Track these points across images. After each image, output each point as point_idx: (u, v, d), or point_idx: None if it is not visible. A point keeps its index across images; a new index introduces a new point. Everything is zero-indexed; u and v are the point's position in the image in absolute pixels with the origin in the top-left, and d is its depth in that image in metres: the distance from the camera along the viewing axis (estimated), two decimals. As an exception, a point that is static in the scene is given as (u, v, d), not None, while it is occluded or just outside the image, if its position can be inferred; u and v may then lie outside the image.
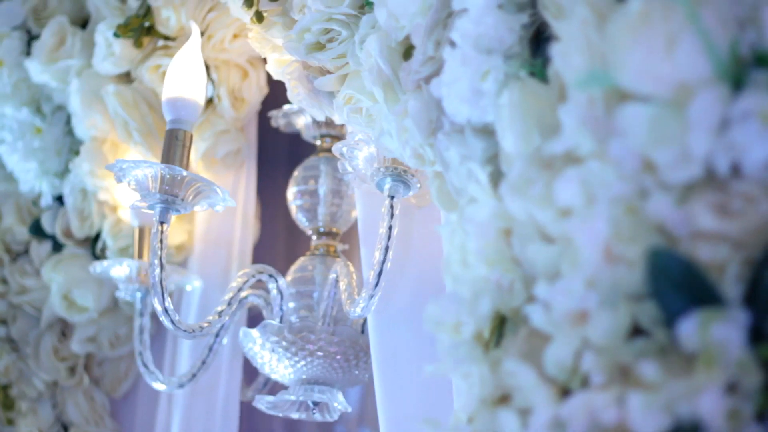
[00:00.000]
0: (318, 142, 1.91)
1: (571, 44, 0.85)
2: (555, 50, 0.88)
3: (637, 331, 0.80)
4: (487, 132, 1.04)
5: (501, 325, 0.98)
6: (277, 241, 2.23)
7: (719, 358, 0.72)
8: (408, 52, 1.21)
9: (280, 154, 2.22)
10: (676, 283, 0.75)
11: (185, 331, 1.63)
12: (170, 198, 1.52)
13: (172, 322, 1.59)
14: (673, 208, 0.77)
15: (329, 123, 1.87)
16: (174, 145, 1.55)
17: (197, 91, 1.60)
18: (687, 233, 0.77)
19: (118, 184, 2.05)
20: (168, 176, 1.50)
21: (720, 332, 0.72)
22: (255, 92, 2.03)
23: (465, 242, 1.03)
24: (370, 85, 1.26)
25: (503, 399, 0.93)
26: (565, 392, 0.84)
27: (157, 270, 1.55)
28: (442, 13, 1.10)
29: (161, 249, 1.54)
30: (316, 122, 1.88)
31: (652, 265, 0.77)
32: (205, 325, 1.68)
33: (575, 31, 0.85)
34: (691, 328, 0.74)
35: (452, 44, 1.06)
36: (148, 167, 1.50)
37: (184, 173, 1.51)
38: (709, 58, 0.74)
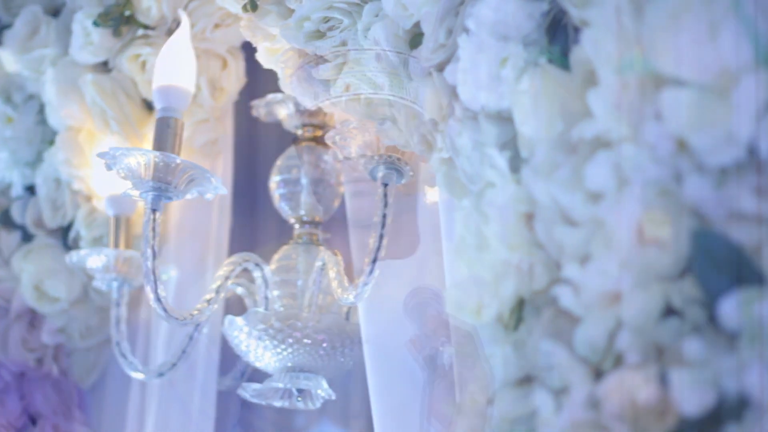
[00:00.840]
0: (300, 132, 1.92)
1: (605, 31, 0.87)
2: (586, 36, 0.90)
3: (668, 311, 0.82)
4: (501, 118, 1.05)
5: (519, 308, 1.00)
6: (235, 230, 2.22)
7: (763, 336, 0.74)
8: (415, 39, 1.23)
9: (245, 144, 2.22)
10: (718, 263, 0.77)
11: (177, 319, 1.62)
12: (163, 185, 1.51)
13: (165, 310, 1.59)
14: (710, 190, 0.79)
15: (312, 113, 1.88)
16: (166, 133, 1.54)
17: (188, 79, 1.60)
18: (722, 215, 0.79)
19: (93, 174, 2.05)
20: (162, 163, 1.49)
21: (763, 310, 0.74)
22: (234, 82, 2.02)
23: (481, 226, 1.04)
24: (375, 73, 1.27)
25: (527, 380, 0.94)
26: (595, 373, 0.86)
27: (150, 259, 1.54)
28: (455, 0, 1.12)
29: (154, 237, 1.54)
30: (298, 112, 1.89)
31: (694, 245, 0.78)
32: (195, 312, 1.67)
33: (609, 17, 0.86)
34: (733, 307, 0.76)
35: (466, 31, 1.07)
36: (142, 155, 1.49)
37: (178, 160, 1.50)
38: (752, 44, 0.76)
